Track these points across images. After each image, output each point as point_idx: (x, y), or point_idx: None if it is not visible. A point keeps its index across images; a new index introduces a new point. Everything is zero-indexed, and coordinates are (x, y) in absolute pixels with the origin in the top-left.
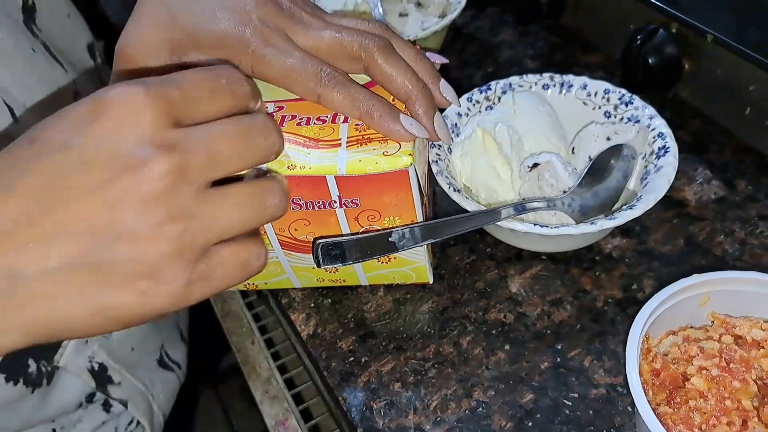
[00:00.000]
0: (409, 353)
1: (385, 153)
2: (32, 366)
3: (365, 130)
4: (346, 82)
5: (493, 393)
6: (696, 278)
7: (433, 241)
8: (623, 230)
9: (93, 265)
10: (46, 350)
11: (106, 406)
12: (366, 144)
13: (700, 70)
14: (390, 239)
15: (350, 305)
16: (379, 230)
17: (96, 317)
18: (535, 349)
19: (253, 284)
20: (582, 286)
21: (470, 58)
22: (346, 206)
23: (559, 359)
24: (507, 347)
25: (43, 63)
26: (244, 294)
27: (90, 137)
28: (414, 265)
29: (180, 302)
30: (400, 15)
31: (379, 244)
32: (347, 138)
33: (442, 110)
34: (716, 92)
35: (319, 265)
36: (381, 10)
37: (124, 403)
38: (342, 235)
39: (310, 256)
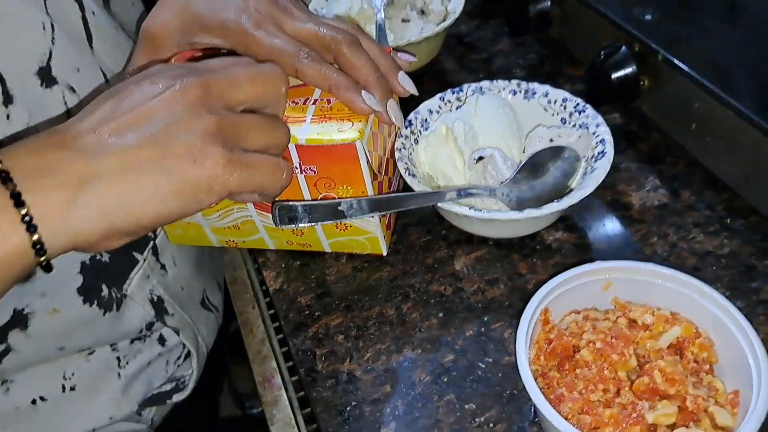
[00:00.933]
0: (356, 312)
1: (340, 130)
2: (105, 291)
3: (328, 112)
4: (321, 60)
5: (420, 351)
6: (596, 264)
7: (380, 213)
8: (567, 225)
9: (156, 143)
10: (116, 279)
11: (161, 340)
12: (326, 122)
13: (657, 87)
14: (339, 207)
15: (315, 268)
16: (334, 198)
17: (159, 191)
18: (464, 319)
19: (233, 241)
20: (518, 270)
21: (467, 64)
22: (306, 173)
23: (483, 329)
24: (440, 315)
25: (124, 40)
26: (255, 261)
27: (149, 76)
28: (368, 235)
29: (224, 177)
30: (403, 21)
31: (329, 211)
32: (312, 116)
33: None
34: (671, 108)
35: (276, 224)
36: (383, 15)
37: (177, 331)
38: (298, 200)
39: None
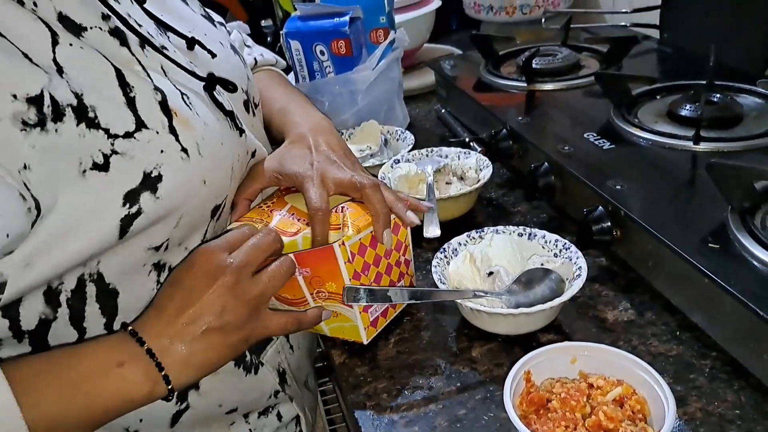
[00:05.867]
0: (396, 380)
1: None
2: (248, 357)
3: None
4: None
5: (441, 407)
6: (565, 344)
7: (416, 301)
8: (558, 330)
9: (216, 328)
10: (257, 349)
11: (279, 416)
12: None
13: (626, 236)
14: (388, 293)
15: (368, 348)
16: (325, 293)
17: (224, 353)
18: (475, 387)
19: None
20: (518, 358)
21: (491, 219)
22: (303, 274)
23: (488, 395)
24: (458, 384)
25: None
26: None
27: (197, 269)
28: (351, 323)
29: (255, 335)
30: (446, 183)
31: (381, 295)
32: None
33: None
34: (636, 252)
35: (344, 301)
36: (432, 178)
37: (291, 399)
38: (361, 285)
39: (293, 307)
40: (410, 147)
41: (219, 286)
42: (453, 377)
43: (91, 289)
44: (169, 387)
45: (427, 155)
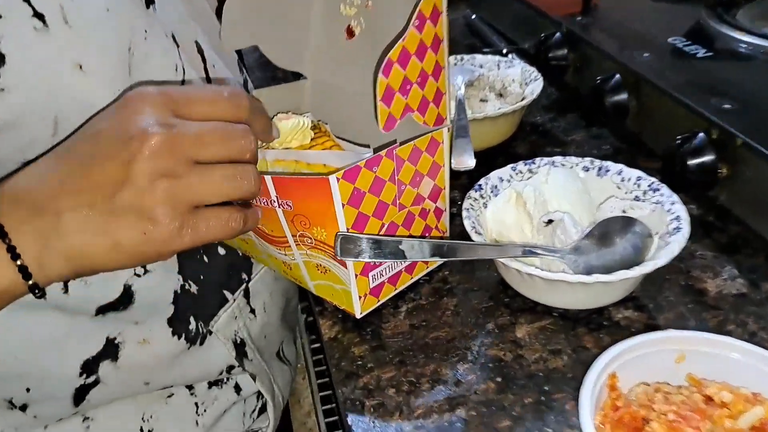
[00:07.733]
0: (410, 368)
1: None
2: (192, 324)
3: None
4: None
5: (474, 413)
6: (669, 333)
7: (440, 259)
8: (636, 304)
9: (108, 210)
10: (205, 314)
11: (237, 389)
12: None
13: (736, 175)
14: (400, 246)
15: (372, 321)
16: (310, 238)
17: (113, 251)
18: (523, 386)
19: (250, 254)
20: (583, 343)
21: (539, 150)
22: (283, 207)
23: (543, 398)
24: (498, 379)
25: None
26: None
27: (113, 121)
28: (343, 287)
29: (173, 243)
30: (481, 100)
31: (391, 248)
32: None
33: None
34: (750, 197)
35: (337, 255)
36: (462, 93)
37: (253, 377)
38: (360, 233)
39: (273, 246)
40: None
41: (135, 150)
42: (490, 368)
43: None
44: (30, 282)
45: (455, 64)
